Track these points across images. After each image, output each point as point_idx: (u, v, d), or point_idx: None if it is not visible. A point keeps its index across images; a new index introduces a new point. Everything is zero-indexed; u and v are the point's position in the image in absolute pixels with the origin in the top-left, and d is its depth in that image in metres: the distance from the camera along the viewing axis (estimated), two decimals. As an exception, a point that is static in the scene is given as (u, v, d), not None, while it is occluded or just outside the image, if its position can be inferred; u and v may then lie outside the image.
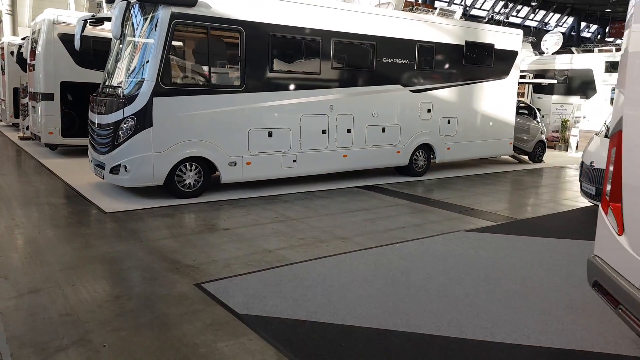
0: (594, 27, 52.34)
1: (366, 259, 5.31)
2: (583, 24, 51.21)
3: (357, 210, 7.56)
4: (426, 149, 10.93)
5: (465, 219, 7.26)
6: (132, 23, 7.82)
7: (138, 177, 7.49)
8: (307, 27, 8.79)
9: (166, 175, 7.64)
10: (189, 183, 7.93)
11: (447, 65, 10.91)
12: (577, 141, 17.19)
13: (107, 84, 8.30)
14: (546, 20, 47.87)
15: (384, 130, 10.08)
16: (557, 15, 48.20)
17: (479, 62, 11.54)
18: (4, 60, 17.93)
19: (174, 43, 7.53)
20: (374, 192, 9.04)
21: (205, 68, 7.92)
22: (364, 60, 9.68)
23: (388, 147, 10.22)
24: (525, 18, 45.54)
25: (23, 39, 14.34)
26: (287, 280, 4.63)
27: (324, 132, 9.23)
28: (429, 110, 10.71)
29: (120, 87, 7.76)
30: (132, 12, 7.66)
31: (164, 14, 7.35)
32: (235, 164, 8.24)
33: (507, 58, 12.16)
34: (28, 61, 12.77)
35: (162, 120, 7.46)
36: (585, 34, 52.13)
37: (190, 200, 7.82)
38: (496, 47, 11.79)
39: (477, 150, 12.04)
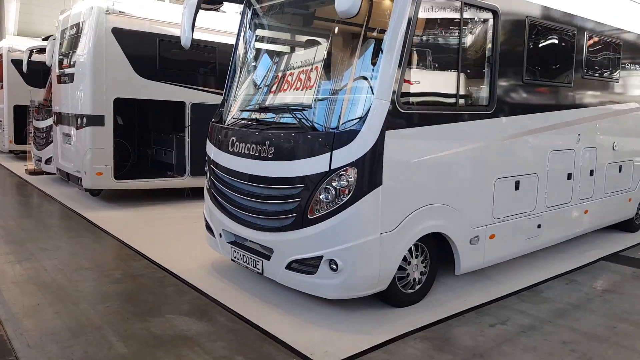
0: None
1: None
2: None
3: None
4: (646, 192, 7.71)
5: None
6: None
7: (357, 281, 3.94)
8: (568, 13, 5.50)
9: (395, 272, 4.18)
10: (414, 279, 4.47)
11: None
12: None
13: (260, 103, 4.81)
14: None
15: (620, 169, 6.83)
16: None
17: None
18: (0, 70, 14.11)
19: (416, 32, 4.10)
20: (653, 272, 5.74)
21: (451, 77, 4.48)
22: (609, 67, 6.43)
23: (621, 195, 6.94)
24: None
25: (45, 39, 10.66)
26: None
27: (569, 176, 5.90)
28: (658, 139, 7.52)
29: (306, 110, 4.26)
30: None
31: (405, -24, 3.93)
32: (477, 240, 4.81)
33: None
34: (56, 70, 9.09)
35: (395, 171, 4.01)
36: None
37: (417, 311, 4.37)
38: None
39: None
